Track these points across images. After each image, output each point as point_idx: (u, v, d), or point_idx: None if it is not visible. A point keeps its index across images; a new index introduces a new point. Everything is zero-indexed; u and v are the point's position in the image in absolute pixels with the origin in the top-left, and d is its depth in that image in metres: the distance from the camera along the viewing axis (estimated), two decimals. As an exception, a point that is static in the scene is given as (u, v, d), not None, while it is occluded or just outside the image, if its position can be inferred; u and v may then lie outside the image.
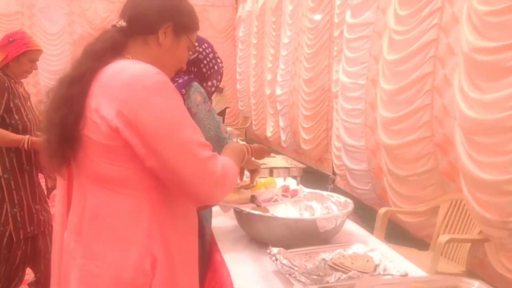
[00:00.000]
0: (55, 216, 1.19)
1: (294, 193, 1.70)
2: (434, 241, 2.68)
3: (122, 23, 1.10)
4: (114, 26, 1.11)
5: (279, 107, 6.54)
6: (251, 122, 8.27)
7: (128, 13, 1.11)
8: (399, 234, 3.40)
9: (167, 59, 1.14)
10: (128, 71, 0.99)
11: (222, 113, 7.01)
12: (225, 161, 1.07)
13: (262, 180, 1.75)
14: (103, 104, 0.97)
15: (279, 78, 6.51)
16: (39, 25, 9.21)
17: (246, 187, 1.61)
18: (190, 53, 1.25)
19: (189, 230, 1.12)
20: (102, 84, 1.00)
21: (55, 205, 1.20)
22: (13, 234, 2.17)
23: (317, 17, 5.30)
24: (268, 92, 7.14)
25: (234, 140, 3.50)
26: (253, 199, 1.55)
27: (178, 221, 1.07)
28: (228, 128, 4.22)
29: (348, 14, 4.11)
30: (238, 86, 8.90)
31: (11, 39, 2.23)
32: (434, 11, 2.96)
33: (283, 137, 6.59)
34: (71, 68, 1.07)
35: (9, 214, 2.17)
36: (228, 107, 7.60)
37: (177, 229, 1.07)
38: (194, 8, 1.19)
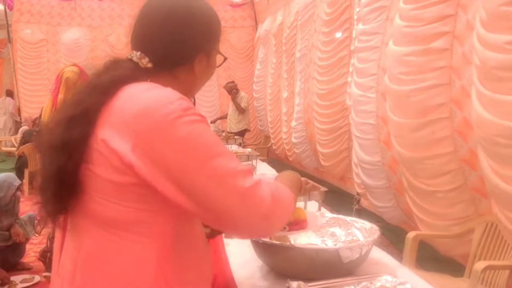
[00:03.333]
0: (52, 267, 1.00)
1: (302, 226, 1.50)
2: (470, 267, 2.50)
3: (147, 63, 0.94)
4: (134, 62, 0.94)
5: (293, 123, 6.47)
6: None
7: (152, 51, 0.94)
8: (429, 256, 3.22)
9: (201, 81, 1.03)
10: (143, 97, 0.84)
11: (241, 134, 6.93)
12: (275, 186, 0.91)
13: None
14: (113, 135, 0.82)
15: (296, 98, 6.43)
16: (63, 51, 9.45)
17: None
18: None
19: (201, 282, 0.96)
20: (112, 111, 0.85)
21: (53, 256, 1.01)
22: None
23: (338, 34, 5.23)
24: (284, 110, 7.07)
25: (254, 161, 3.41)
26: None
27: (190, 273, 0.92)
28: (248, 149, 4.15)
29: (360, 24, 4.03)
30: (255, 104, 8.89)
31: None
32: (446, 16, 2.85)
33: (297, 151, 6.50)
34: (70, 103, 0.90)
35: None
36: (249, 130, 7.55)
37: (187, 282, 0.91)
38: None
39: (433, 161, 2.97)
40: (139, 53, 0.94)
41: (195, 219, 0.94)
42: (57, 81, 3.00)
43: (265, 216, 0.85)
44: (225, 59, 1.06)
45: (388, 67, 3.34)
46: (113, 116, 0.84)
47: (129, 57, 0.95)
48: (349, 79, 4.52)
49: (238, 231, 0.91)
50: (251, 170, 0.88)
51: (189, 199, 0.82)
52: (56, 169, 0.85)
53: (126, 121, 0.82)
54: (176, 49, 0.96)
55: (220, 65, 1.06)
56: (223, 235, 1.53)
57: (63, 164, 0.84)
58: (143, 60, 0.94)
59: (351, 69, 4.48)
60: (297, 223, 1.49)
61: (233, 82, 7.23)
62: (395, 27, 3.27)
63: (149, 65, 0.94)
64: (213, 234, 1.24)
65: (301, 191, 1.18)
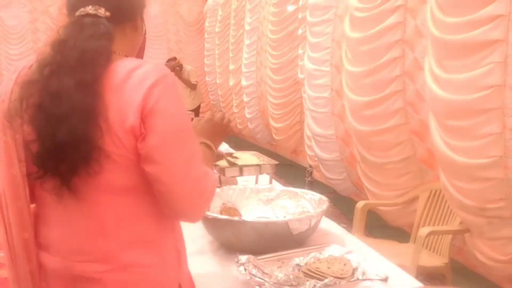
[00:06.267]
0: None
1: None
2: (415, 233, 2.62)
3: (105, 12, 0.95)
4: (93, 15, 0.95)
5: (246, 98, 6.42)
6: (225, 117, 8.11)
7: (107, 2, 0.97)
8: (378, 225, 3.34)
9: (138, 43, 1.08)
10: (140, 73, 0.91)
11: (196, 110, 6.77)
12: (212, 175, 1.03)
13: None
14: (126, 113, 0.89)
15: (243, 69, 6.38)
16: (0, 23, 8.84)
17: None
18: None
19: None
20: (118, 92, 0.90)
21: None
22: None
23: (290, 8, 5.18)
24: (231, 82, 6.99)
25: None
26: None
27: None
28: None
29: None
30: (207, 78, 8.67)
31: None
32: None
33: (250, 126, 6.50)
34: (68, 69, 0.91)
35: None
36: (203, 102, 7.36)
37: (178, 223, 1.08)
38: (164, 1, 1.16)
39: (386, 135, 3.05)
40: (90, 6, 0.95)
41: None
42: None
43: (204, 203, 1.01)
44: (145, 32, 1.12)
45: (344, 50, 3.36)
46: (121, 95, 0.90)
47: (82, 13, 0.95)
48: (300, 51, 4.51)
49: (178, 210, 1.01)
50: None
51: (157, 164, 0.94)
52: (83, 135, 0.88)
53: (135, 98, 0.90)
54: (127, 2, 1.01)
55: (143, 37, 1.12)
56: None
57: (84, 128, 0.88)
58: (99, 10, 0.95)
59: (302, 43, 4.49)
60: None
61: (174, 58, 6.78)
62: (349, 12, 3.27)
63: (108, 13, 0.96)
64: None
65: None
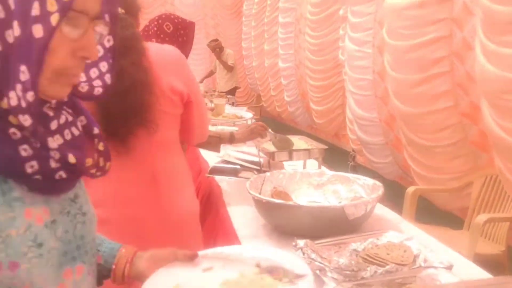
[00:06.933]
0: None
1: None
2: (469, 220, 2.53)
3: (121, 9, 1.18)
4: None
5: (284, 81, 6.36)
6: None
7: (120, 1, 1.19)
8: (427, 210, 3.24)
9: None
10: (170, 53, 1.28)
11: (231, 92, 6.76)
12: None
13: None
14: (173, 82, 1.23)
15: (280, 51, 6.32)
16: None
17: None
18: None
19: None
20: (163, 67, 1.22)
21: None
22: None
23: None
24: (266, 63, 6.93)
25: (249, 121, 3.35)
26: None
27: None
28: (245, 108, 4.08)
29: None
30: (244, 62, 8.63)
31: None
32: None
33: (290, 109, 6.46)
34: (124, 51, 1.10)
35: None
36: (239, 87, 7.33)
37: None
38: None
39: (433, 116, 2.94)
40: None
41: None
42: None
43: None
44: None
45: (386, 21, 3.24)
46: (166, 69, 1.24)
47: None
48: (341, 32, 4.41)
49: (202, 135, 1.49)
50: None
51: (198, 112, 1.38)
52: (140, 102, 1.16)
53: (176, 70, 1.27)
54: (131, 3, 1.30)
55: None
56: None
57: (141, 98, 1.16)
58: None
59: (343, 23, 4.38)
60: None
61: (216, 40, 6.85)
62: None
63: (123, 10, 1.22)
64: None
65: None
